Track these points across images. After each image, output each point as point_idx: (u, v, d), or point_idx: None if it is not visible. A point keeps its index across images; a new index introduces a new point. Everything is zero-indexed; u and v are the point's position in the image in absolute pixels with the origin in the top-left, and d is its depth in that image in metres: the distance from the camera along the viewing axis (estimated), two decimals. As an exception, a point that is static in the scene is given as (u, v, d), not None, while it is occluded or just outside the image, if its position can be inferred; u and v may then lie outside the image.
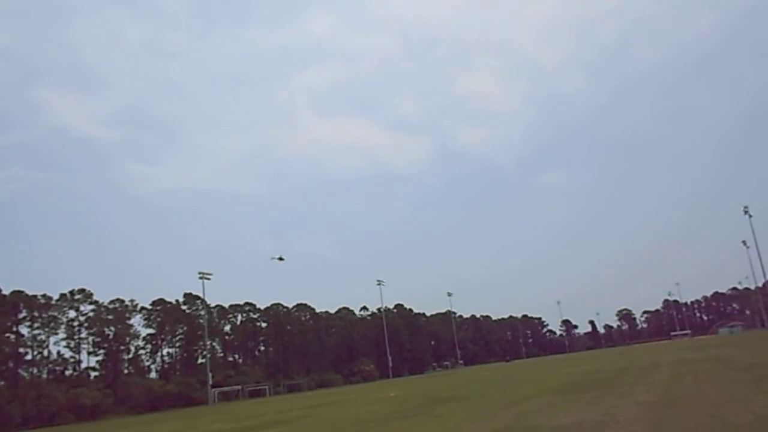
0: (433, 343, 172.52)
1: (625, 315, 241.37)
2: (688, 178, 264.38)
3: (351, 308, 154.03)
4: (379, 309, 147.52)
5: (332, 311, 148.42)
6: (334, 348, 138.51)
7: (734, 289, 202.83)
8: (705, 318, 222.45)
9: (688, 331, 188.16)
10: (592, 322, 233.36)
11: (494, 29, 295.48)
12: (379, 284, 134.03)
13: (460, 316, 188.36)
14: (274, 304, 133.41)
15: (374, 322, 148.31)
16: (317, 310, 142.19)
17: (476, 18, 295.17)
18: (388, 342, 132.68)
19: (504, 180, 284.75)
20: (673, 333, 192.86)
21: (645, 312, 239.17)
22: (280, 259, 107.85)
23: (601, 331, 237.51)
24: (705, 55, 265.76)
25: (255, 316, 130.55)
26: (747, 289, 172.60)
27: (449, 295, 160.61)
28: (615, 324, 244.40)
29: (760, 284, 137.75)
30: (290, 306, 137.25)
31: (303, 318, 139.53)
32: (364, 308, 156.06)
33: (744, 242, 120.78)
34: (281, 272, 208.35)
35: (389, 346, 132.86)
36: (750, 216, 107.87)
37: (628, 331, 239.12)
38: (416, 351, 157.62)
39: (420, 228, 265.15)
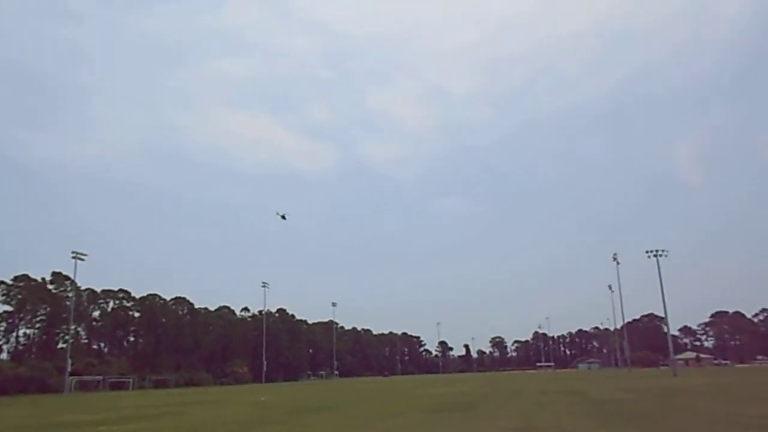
0: (311, 351, 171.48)
1: (498, 342, 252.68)
2: (571, 220, 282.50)
3: (232, 307, 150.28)
4: (260, 311, 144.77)
5: (212, 308, 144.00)
6: (209, 346, 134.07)
7: (596, 328, 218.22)
8: (568, 352, 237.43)
9: (552, 364, 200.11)
10: (466, 346, 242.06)
11: (411, 52, 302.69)
12: (264, 286, 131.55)
13: (342, 327, 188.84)
14: (151, 295, 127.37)
15: (254, 324, 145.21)
16: (196, 306, 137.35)
17: (396, 39, 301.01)
18: (265, 346, 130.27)
19: (403, 198, 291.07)
20: (538, 364, 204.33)
21: (516, 341, 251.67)
22: (283, 217, 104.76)
23: (475, 355, 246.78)
24: (597, 111, 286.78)
25: (128, 305, 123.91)
26: (607, 329, 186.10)
27: (333, 305, 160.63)
28: (488, 350, 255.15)
29: (618, 326, 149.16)
30: (168, 298, 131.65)
31: (180, 312, 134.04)
32: (246, 309, 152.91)
33: (610, 287, 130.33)
34: (163, 261, 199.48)
35: (267, 350, 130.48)
36: (618, 263, 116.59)
37: (499, 358, 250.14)
38: (294, 358, 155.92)
39: (315, 234, 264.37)
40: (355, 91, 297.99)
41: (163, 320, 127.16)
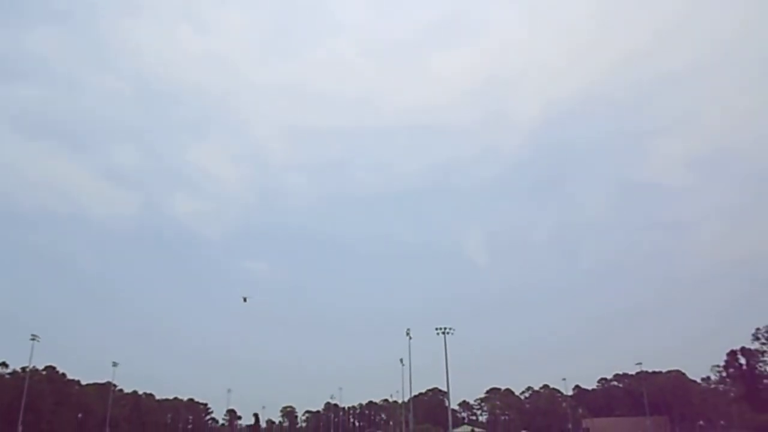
0: (80, 416, 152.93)
1: (289, 412, 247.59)
2: (375, 294, 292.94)
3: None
4: (24, 368, 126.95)
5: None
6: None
7: (385, 400, 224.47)
8: (357, 424, 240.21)
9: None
10: (256, 415, 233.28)
11: (233, 107, 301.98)
12: (33, 339, 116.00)
13: (121, 390, 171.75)
14: None
15: (14, 383, 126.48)
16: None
17: (221, 92, 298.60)
18: (24, 410, 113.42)
19: (208, 257, 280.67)
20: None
21: (307, 411, 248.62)
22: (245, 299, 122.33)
23: (264, 425, 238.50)
24: (406, 195, 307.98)
25: None
26: (395, 402, 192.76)
27: (114, 365, 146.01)
28: (278, 420, 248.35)
29: (406, 399, 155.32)
30: None
31: None
32: (3, 364, 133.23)
33: (401, 360, 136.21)
34: None
35: (25, 415, 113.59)
36: (410, 338, 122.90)
37: (288, 429, 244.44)
38: (58, 425, 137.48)
39: (97, 282, 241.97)
40: (173, 140, 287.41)
41: None
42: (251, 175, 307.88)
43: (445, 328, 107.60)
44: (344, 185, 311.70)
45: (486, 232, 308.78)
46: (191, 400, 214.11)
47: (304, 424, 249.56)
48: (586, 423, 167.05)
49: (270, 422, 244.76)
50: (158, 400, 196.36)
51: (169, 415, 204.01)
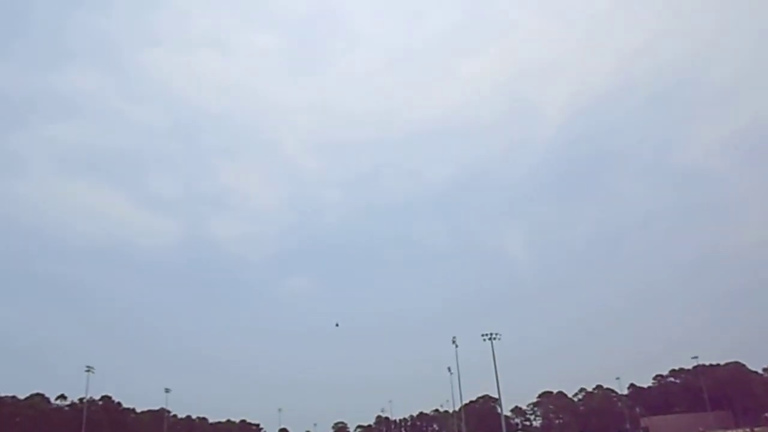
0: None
1: (341, 428, 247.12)
2: (414, 302, 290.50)
3: (46, 395, 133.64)
4: (81, 399, 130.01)
5: (21, 396, 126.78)
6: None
7: (436, 410, 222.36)
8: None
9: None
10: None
11: (264, 128, 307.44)
12: (88, 371, 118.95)
13: (175, 416, 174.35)
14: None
15: (73, 414, 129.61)
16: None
17: (248, 113, 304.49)
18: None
19: (251, 279, 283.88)
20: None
21: (359, 426, 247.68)
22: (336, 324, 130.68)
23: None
24: (437, 198, 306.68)
25: None
26: (446, 411, 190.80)
27: (167, 391, 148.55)
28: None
29: (457, 408, 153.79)
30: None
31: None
32: (62, 397, 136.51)
33: (449, 369, 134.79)
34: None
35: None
36: (456, 346, 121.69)
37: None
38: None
39: (145, 313, 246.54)
40: (206, 166, 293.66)
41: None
42: (288, 194, 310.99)
43: (491, 334, 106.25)
44: (375, 196, 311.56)
45: (523, 230, 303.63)
46: (243, 421, 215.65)
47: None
48: (644, 422, 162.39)
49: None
50: (212, 424, 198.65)
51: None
